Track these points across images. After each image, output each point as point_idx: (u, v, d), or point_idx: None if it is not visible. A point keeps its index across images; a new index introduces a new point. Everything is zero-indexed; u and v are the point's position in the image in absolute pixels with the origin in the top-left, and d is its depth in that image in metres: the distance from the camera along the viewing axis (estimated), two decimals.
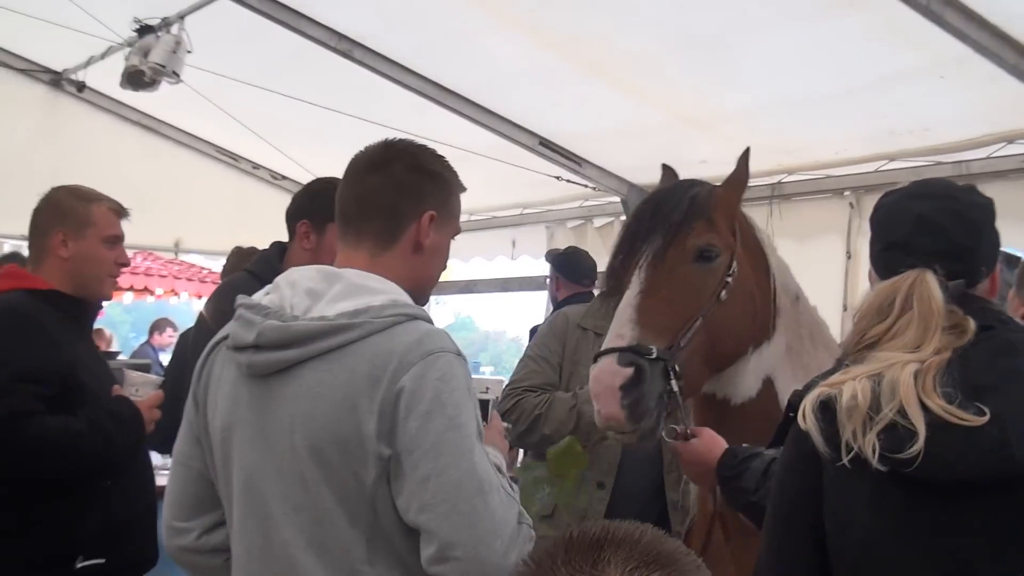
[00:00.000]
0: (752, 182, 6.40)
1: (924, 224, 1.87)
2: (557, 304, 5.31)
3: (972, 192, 1.97)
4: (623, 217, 6.97)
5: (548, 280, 5.82)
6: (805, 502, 1.82)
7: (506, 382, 3.67)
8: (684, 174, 6.97)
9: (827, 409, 1.75)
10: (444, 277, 2.24)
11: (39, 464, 2.85)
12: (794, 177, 5.96)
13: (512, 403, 3.52)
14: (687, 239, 2.56)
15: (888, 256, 1.91)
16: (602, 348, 2.50)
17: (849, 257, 5.47)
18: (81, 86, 7.38)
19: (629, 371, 2.36)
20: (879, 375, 1.73)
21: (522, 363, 3.70)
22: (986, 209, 1.94)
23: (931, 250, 1.85)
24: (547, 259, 5.84)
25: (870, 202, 5.73)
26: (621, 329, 2.45)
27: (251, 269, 3.26)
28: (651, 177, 6.74)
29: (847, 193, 5.71)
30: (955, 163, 5.19)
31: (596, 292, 5.03)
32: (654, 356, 2.37)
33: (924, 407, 1.68)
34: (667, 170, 3.03)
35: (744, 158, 2.80)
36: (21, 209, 4.30)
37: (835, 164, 5.73)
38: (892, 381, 1.71)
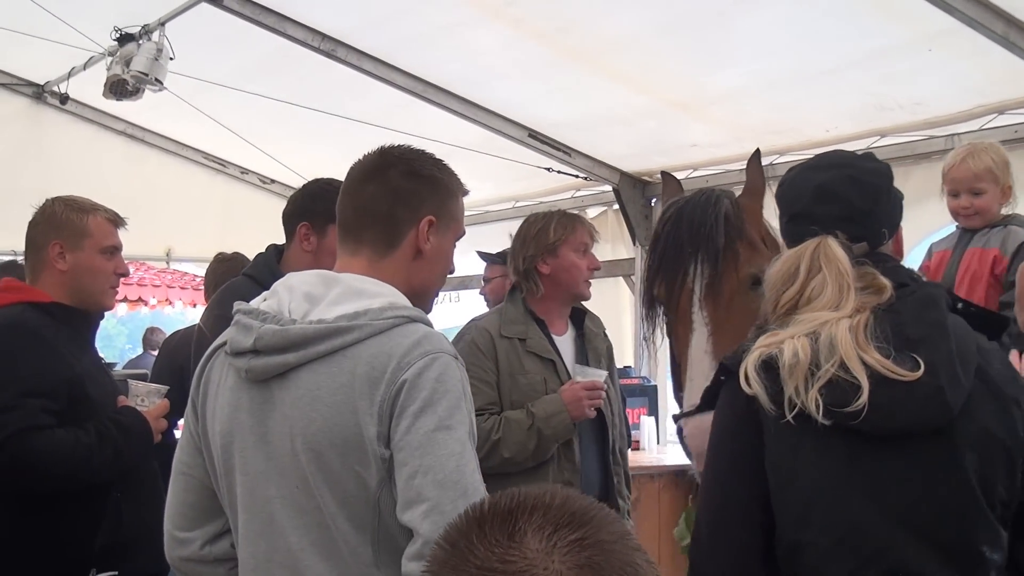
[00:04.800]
0: (744, 164, 6.37)
1: (823, 193, 1.98)
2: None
3: (869, 159, 2.09)
4: (615, 206, 6.95)
5: (491, 280, 5.50)
6: (745, 460, 1.87)
7: None
8: (675, 159, 6.95)
9: (769, 368, 1.82)
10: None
11: (50, 478, 2.84)
12: (786, 158, 5.93)
13: None
14: (739, 266, 2.56)
15: (793, 227, 2.02)
16: (692, 405, 2.50)
17: None
18: (64, 98, 7.33)
19: None
20: (815, 333, 1.82)
21: None
22: (882, 174, 2.04)
23: (832, 216, 1.95)
24: (499, 259, 5.39)
25: None
26: (708, 382, 2.49)
27: (249, 273, 3.23)
28: (642, 164, 6.76)
29: None
30: (947, 136, 5.17)
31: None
32: None
33: (864, 364, 1.78)
34: (668, 177, 3.01)
35: (755, 159, 2.76)
36: (7, 224, 4.27)
37: (827, 142, 5.69)
38: (830, 337, 1.80)
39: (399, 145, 2.08)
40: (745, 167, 2.84)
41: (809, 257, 1.92)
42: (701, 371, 2.51)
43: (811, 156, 2.14)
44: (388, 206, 1.99)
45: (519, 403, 3.50)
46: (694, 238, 2.62)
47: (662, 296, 2.67)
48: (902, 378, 1.77)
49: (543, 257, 3.61)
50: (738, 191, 2.79)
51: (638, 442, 5.76)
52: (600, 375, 3.57)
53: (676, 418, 2.62)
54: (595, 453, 3.67)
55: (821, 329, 1.83)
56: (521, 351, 3.57)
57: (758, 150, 2.80)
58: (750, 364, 1.84)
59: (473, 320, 3.85)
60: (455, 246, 2.11)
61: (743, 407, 1.86)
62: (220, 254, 4.94)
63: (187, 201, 8.19)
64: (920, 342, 1.82)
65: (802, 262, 1.93)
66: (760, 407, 1.83)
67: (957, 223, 3.59)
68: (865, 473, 1.81)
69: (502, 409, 3.51)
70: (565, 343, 3.70)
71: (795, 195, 2.04)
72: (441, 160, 2.08)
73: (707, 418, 2.39)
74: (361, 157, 2.07)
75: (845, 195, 1.97)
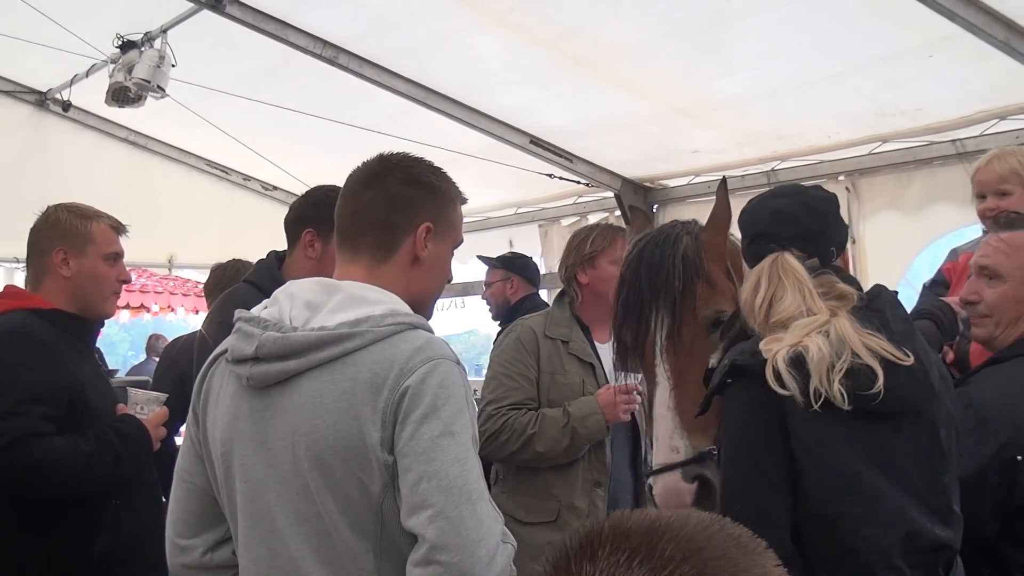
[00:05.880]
0: (746, 170, 6.39)
1: (780, 216, 2.26)
2: (511, 306, 5.49)
3: (818, 189, 2.41)
4: (617, 212, 6.95)
5: (492, 284, 5.74)
6: (773, 446, 2.08)
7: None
8: (677, 165, 6.93)
9: (798, 364, 2.05)
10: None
11: (50, 485, 2.85)
12: (788, 163, 5.94)
13: (500, 423, 3.54)
14: (696, 310, 2.61)
15: (754, 247, 2.29)
16: (659, 464, 2.55)
17: (853, 242, 5.40)
18: (66, 105, 7.34)
19: (695, 486, 2.49)
20: (825, 331, 2.08)
21: (495, 381, 3.66)
22: (830, 202, 2.34)
23: (787, 235, 2.23)
24: (498, 263, 5.75)
25: (866, 185, 5.75)
26: (672, 441, 2.55)
27: (251, 279, 3.23)
28: (644, 170, 6.76)
29: (842, 177, 5.69)
30: (949, 142, 5.18)
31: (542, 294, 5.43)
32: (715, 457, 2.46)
33: (871, 352, 2.06)
34: (635, 213, 3.04)
35: (721, 190, 2.77)
36: (9, 231, 4.27)
37: (828, 148, 5.71)
38: (839, 334, 2.07)
39: (398, 152, 2.09)
40: (745, 175, 2.85)
41: (768, 269, 2.20)
42: (665, 429, 2.56)
43: (815, 163, 2.24)
44: (385, 213, 2.00)
45: (556, 402, 3.60)
46: (653, 284, 2.65)
47: (630, 344, 2.71)
48: (902, 362, 2.07)
49: (582, 267, 3.75)
50: (739, 196, 2.78)
51: None
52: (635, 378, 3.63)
53: (646, 475, 2.65)
54: (626, 456, 3.75)
55: (828, 327, 2.08)
56: (563, 352, 3.68)
57: (724, 179, 2.80)
58: (780, 362, 2.04)
59: (521, 319, 3.97)
60: (453, 254, 2.12)
61: (764, 400, 2.07)
62: (217, 264, 4.95)
63: (189, 208, 8.19)
64: (902, 335, 2.14)
65: (763, 274, 2.20)
66: (783, 399, 2.04)
67: (984, 226, 3.56)
68: (874, 449, 2.08)
69: (540, 406, 3.61)
70: (607, 351, 3.74)
71: (755, 219, 2.31)
72: (439, 168, 2.09)
73: (674, 479, 2.49)
74: (360, 164, 2.07)
75: (799, 217, 2.25)
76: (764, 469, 2.09)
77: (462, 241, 2.14)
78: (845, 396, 2.01)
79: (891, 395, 2.04)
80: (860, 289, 2.23)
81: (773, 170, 5.97)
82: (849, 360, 2.04)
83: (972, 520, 2.24)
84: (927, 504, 2.11)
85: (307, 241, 3.13)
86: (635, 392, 3.53)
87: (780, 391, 2.03)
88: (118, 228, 3.20)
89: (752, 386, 2.09)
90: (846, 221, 2.51)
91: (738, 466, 2.15)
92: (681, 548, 0.90)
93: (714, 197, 2.75)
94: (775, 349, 2.08)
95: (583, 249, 3.74)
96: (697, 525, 0.94)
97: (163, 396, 3.26)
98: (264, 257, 3.32)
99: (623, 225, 6.90)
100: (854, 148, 5.63)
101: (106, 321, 3.36)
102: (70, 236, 3.08)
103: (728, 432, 2.20)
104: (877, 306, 2.17)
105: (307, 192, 3.30)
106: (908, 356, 2.08)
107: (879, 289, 2.26)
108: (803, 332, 2.09)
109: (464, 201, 2.13)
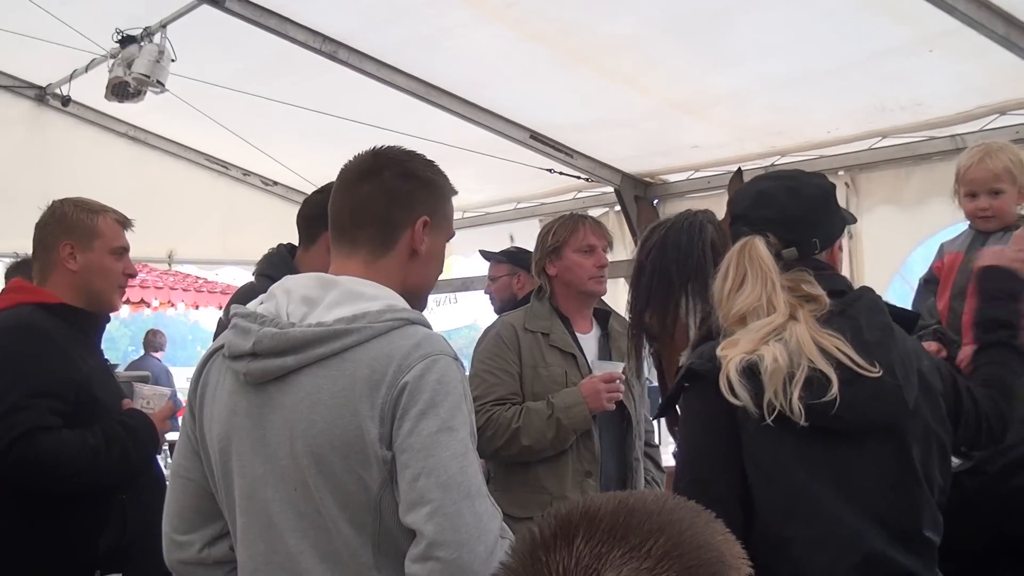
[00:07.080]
0: (745, 165, 6.38)
1: (761, 198, 2.16)
2: (519, 300, 5.37)
3: (813, 176, 2.28)
4: (617, 208, 6.95)
5: (497, 279, 5.60)
6: (725, 461, 1.99)
7: None
8: (677, 160, 6.93)
9: (749, 374, 1.94)
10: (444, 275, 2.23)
11: (57, 479, 2.85)
12: (787, 159, 5.93)
13: (484, 419, 3.53)
14: None
15: (734, 229, 2.19)
16: None
17: (850, 237, 5.40)
18: (66, 100, 7.33)
19: None
20: (783, 338, 1.96)
21: (477, 378, 3.66)
22: (822, 189, 2.20)
23: (764, 219, 2.11)
24: (504, 257, 5.62)
25: (866, 181, 5.75)
26: None
27: (267, 273, 3.20)
28: (643, 166, 6.77)
29: (841, 172, 5.69)
30: (949, 137, 5.17)
31: None
32: None
33: (827, 356, 1.93)
34: (643, 203, 3.03)
35: (737, 180, 2.78)
36: (10, 226, 4.26)
37: (828, 143, 5.71)
38: (798, 341, 1.94)
39: (392, 146, 2.09)
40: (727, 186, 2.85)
41: (736, 255, 2.09)
42: None
43: (815, 158, 2.20)
44: (384, 207, 2.00)
45: (540, 395, 3.61)
46: (682, 269, 2.64)
47: (655, 329, 2.67)
48: (867, 373, 1.92)
49: (549, 259, 3.76)
50: None
51: None
52: (617, 367, 3.64)
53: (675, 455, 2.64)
54: (613, 446, 3.75)
55: (785, 333, 1.97)
56: (544, 345, 3.68)
57: (739, 169, 2.81)
58: (732, 371, 1.94)
59: (501, 315, 3.97)
60: (446, 246, 2.13)
61: (719, 410, 1.97)
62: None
63: (189, 203, 8.18)
64: (875, 345, 1.98)
65: (731, 261, 2.09)
66: (738, 410, 1.92)
67: (972, 225, 3.48)
68: (833, 467, 1.96)
69: (524, 400, 3.62)
70: (589, 341, 3.80)
71: (739, 200, 2.22)
72: (433, 161, 2.09)
73: None
74: (353, 157, 2.07)
75: (779, 201, 2.13)
76: (708, 486, 1.99)
77: (454, 234, 2.14)
78: (803, 411, 1.90)
79: (853, 411, 1.93)
80: (849, 288, 2.13)
81: (773, 165, 5.97)
82: (806, 370, 1.92)
83: (995, 512, 2.18)
84: (891, 528, 1.97)
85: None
86: (619, 381, 3.55)
87: (733, 401, 1.94)
88: (124, 222, 3.20)
89: (707, 394, 2.00)
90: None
91: (686, 479, 2.09)
92: (654, 523, 0.93)
93: (714, 191, 2.76)
94: (730, 356, 1.98)
95: (547, 241, 3.77)
96: (658, 500, 0.98)
97: (168, 391, 3.28)
98: (275, 250, 3.30)
99: (624, 220, 6.95)
100: (853, 143, 5.63)
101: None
102: (77, 230, 3.09)
103: (682, 438, 2.16)
104: (851, 313, 2.03)
105: (324, 188, 3.28)
106: (875, 368, 1.94)
107: (859, 293, 2.13)
108: (758, 337, 1.98)
109: (455, 193, 2.13)
